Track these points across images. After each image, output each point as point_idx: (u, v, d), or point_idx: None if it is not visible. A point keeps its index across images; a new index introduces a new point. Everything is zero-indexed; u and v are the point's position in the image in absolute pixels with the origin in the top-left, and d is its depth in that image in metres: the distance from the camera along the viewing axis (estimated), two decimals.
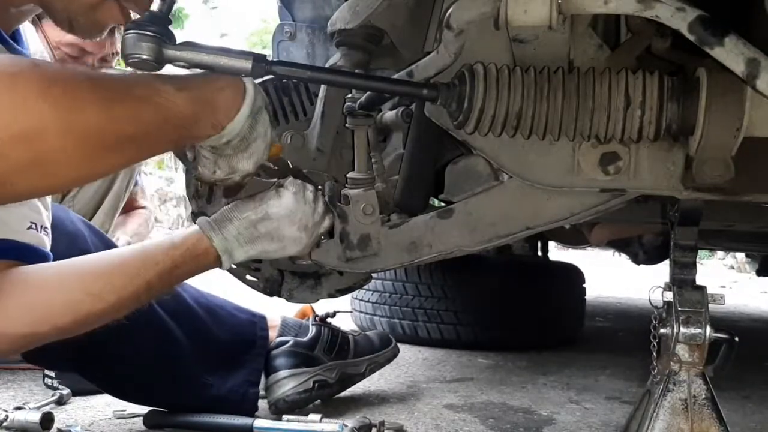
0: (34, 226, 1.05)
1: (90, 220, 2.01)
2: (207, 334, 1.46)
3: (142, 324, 1.33)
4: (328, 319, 1.71)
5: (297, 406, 1.56)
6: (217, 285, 1.65)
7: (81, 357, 1.32)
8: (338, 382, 1.64)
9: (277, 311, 1.70)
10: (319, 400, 1.65)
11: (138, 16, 1.00)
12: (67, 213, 1.38)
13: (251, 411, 1.48)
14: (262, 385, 1.57)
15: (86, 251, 1.25)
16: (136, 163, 2.12)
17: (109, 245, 1.34)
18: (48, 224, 1.10)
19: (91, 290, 0.98)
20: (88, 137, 0.76)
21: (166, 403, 1.45)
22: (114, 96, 0.79)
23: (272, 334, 1.60)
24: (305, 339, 1.61)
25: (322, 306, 1.66)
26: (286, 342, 1.59)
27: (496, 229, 1.11)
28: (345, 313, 1.78)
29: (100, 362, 1.35)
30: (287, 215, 1.05)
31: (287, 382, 1.55)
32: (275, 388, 1.55)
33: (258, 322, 1.58)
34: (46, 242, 1.08)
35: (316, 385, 1.58)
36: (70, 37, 1.94)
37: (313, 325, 1.66)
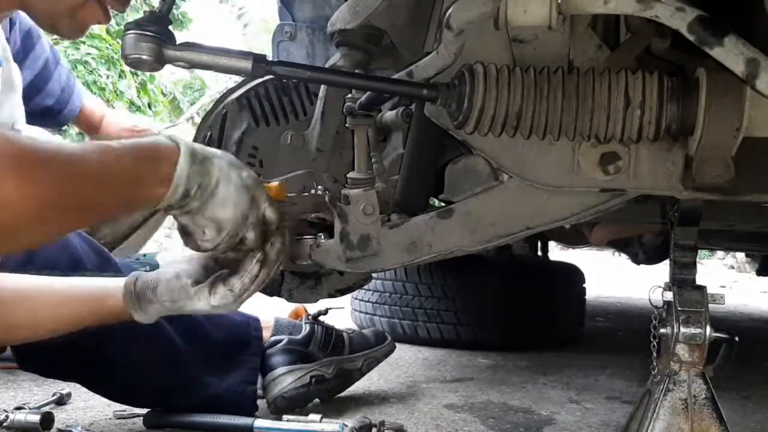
0: None
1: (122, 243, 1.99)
2: (202, 334, 1.47)
3: (137, 327, 1.33)
4: (321, 317, 1.71)
5: (296, 402, 1.56)
6: None
7: (77, 363, 1.32)
8: (336, 377, 1.65)
9: (269, 313, 1.71)
10: (318, 400, 1.65)
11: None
12: None
13: (250, 410, 1.48)
14: (259, 385, 1.58)
15: (77, 257, 1.26)
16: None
17: (99, 253, 1.33)
18: None
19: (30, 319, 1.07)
20: (46, 208, 0.80)
21: (163, 404, 1.45)
22: (70, 172, 0.82)
23: (266, 334, 1.61)
24: (299, 337, 1.62)
25: (315, 305, 1.66)
26: (281, 341, 1.59)
27: (496, 229, 1.11)
28: (337, 309, 1.77)
29: (96, 367, 1.35)
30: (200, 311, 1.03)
31: (284, 379, 1.55)
32: (272, 386, 1.55)
33: (252, 323, 1.59)
34: None
35: (314, 380, 1.59)
36: None
37: (306, 323, 1.67)
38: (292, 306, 1.83)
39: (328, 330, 1.68)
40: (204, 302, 0.98)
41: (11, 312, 1.06)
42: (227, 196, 0.92)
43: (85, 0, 1.02)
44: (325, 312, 1.73)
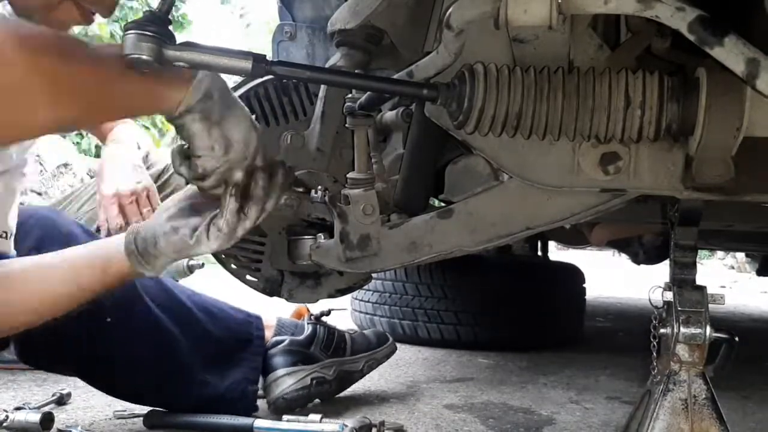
0: (4, 235, 1.23)
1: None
2: (203, 332, 1.47)
3: (139, 323, 1.33)
4: (323, 318, 1.71)
5: (296, 404, 1.56)
6: (211, 288, 1.66)
7: (79, 359, 1.32)
8: (336, 379, 1.65)
9: (272, 312, 1.71)
10: (318, 400, 1.65)
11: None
12: (60, 215, 1.39)
13: (250, 409, 1.48)
14: (260, 385, 1.58)
15: None
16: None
17: None
18: (12, 226, 1.26)
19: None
20: (62, 89, 0.82)
21: (164, 402, 1.45)
22: (88, 59, 0.85)
23: (268, 334, 1.61)
24: (301, 337, 1.62)
25: (317, 305, 1.66)
26: (283, 341, 1.59)
27: (497, 229, 1.10)
28: (340, 310, 1.78)
29: (98, 363, 1.35)
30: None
31: (285, 380, 1.55)
32: (273, 387, 1.55)
33: (254, 322, 1.59)
34: (9, 247, 1.23)
35: (314, 382, 1.59)
36: None
37: (308, 324, 1.67)
38: (294, 305, 1.83)
39: (331, 331, 1.68)
40: (204, 247, 1.01)
41: (18, 298, 1.08)
42: (243, 119, 0.97)
43: (59, 1, 1.01)
44: (328, 313, 1.73)
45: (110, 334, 1.28)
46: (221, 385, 1.47)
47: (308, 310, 1.77)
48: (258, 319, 1.61)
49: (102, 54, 0.86)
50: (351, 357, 1.69)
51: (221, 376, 1.47)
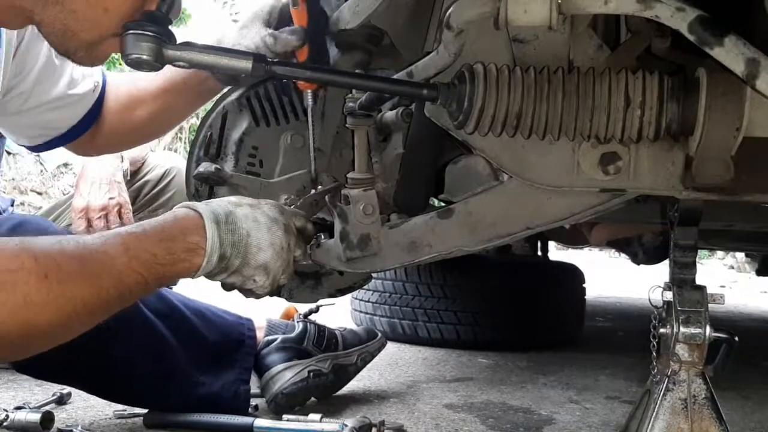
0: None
1: None
2: (196, 334, 1.47)
3: (132, 326, 1.34)
4: (312, 315, 1.72)
5: (295, 399, 1.56)
6: (202, 294, 1.66)
7: (73, 363, 1.32)
8: (333, 372, 1.66)
9: (260, 315, 1.71)
10: (317, 399, 1.65)
11: None
12: (51, 224, 1.39)
13: (244, 408, 1.49)
14: (257, 385, 1.58)
15: None
16: None
17: None
18: None
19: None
20: (77, 315, 0.86)
21: (159, 404, 1.45)
22: (99, 273, 0.87)
23: (259, 335, 1.61)
24: (293, 335, 1.63)
25: (305, 304, 1.66)
26: (275, 340, 1.60)
27: (497, 229, 1.11)
28: (328, 305, 1.78)
29: (92, 369, 1.34)
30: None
31: (284, 375, 1.56)
32: (271, 384, 1.56)
33: (245, 323, 1.60)
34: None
35: (311, 374, 1.59)
36: None
37: (298, 322, 1.68)
38: (283, 308, 1.84)
39: (320, 327, 1.69)
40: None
41: None
42: (261, 240, 0.98)
43: (103, 37, 0.96)
44: (317, 310, 1.74)
45: (106, 341, 1.28)
46: (215, 385, 1.47)
47: (296, 310, 1.78)
48: (249, 321, 1.62)
49: (110, 267, 0.89)
50: (344, 351, 1.70)
51: (214, 377, 1.48)
